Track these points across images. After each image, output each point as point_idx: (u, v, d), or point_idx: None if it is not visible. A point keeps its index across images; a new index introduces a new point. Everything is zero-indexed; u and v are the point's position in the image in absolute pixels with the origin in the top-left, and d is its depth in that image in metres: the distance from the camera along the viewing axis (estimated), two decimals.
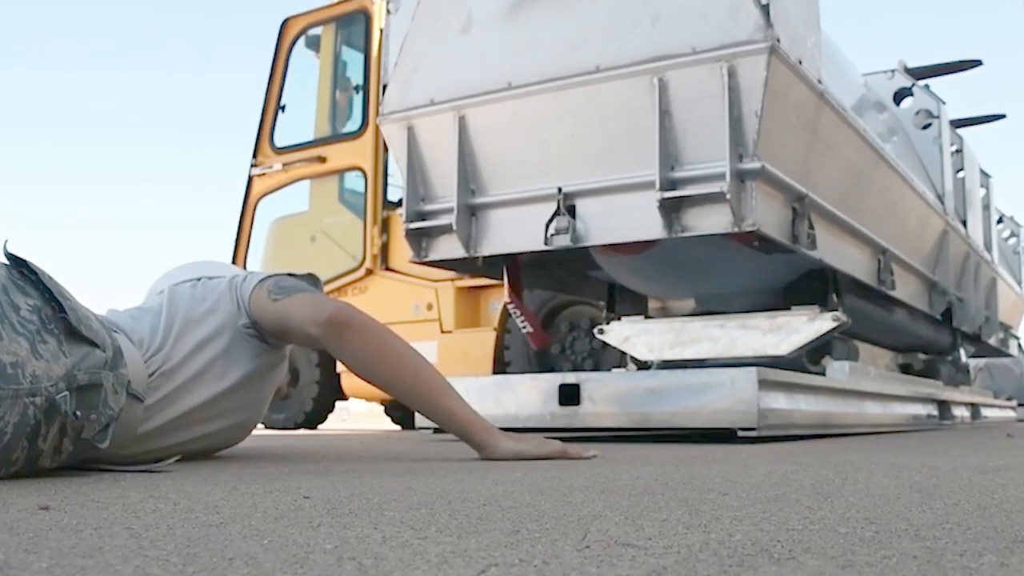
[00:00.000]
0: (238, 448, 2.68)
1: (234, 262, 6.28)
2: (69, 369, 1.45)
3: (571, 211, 3.11)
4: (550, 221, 3.12)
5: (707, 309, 3.77)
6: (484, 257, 3.37)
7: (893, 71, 5.40)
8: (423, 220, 3.39)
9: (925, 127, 5.24)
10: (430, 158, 3.37)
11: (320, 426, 6.15)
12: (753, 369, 2.83)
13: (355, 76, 6.24)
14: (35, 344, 1.42)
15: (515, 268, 3.70)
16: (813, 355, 3.74)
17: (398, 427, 6.92)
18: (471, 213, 3.31)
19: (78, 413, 1.45)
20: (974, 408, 6.32)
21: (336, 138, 6.13)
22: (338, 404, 6.28)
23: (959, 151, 5.68)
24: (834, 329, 3.39)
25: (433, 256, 3.44)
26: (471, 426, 1.90)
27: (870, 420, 3.92)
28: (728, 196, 2.79)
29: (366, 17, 6.11)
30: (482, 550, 0.75)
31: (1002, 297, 6.71)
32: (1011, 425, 6.24)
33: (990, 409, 7.04)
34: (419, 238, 3.43)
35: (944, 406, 5.28)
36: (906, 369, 5.61)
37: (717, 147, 2.82)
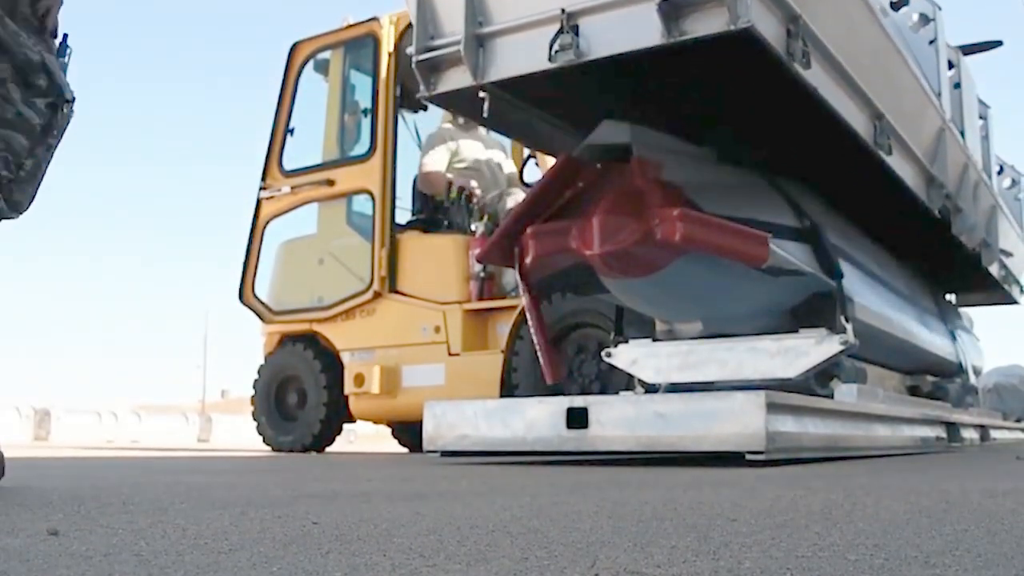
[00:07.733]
0: (245, 471, 2.68)
1: (242, 284, 6.30)
2: None
3: (575, 30, 3.14)
4: (554, 40, 3.15)
5: (715, 332, 3.76)
6: (491, 83, 3.36)
7: None
8: (432, 52, 3.44)
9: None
10: None
11: (327, 448, 6.14)
12: (761, 392, 2.82)
13: (363, 99, 6.27)
14: None
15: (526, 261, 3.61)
16: (821, 378, 3.72)
17: (405, 449, 6.91)
18: (479, 43, 3.36)
19: None
20: (983, 430, 6.29)
21: (344, 161, 6.15)
22: (345, 426, 6.27)
23: (955, 66, 5.62)
24: (842, 351, 3.38)
25: (442, 88, 3.47)
26: None
27: (879, 443, 3.90)
28: None
29: (375, 41, 6.15)
30: None
31: (1003, 234, 6.59)
32: (1020, 447, 6.20)
33: (999, 431, 7.00)
34: (428, 71, 3.47)
35: (953, 428, 5.26)
36: (914, 391, 5.58)
37: None
